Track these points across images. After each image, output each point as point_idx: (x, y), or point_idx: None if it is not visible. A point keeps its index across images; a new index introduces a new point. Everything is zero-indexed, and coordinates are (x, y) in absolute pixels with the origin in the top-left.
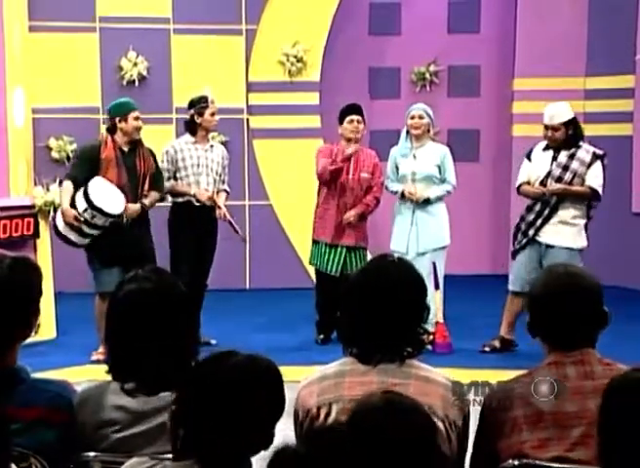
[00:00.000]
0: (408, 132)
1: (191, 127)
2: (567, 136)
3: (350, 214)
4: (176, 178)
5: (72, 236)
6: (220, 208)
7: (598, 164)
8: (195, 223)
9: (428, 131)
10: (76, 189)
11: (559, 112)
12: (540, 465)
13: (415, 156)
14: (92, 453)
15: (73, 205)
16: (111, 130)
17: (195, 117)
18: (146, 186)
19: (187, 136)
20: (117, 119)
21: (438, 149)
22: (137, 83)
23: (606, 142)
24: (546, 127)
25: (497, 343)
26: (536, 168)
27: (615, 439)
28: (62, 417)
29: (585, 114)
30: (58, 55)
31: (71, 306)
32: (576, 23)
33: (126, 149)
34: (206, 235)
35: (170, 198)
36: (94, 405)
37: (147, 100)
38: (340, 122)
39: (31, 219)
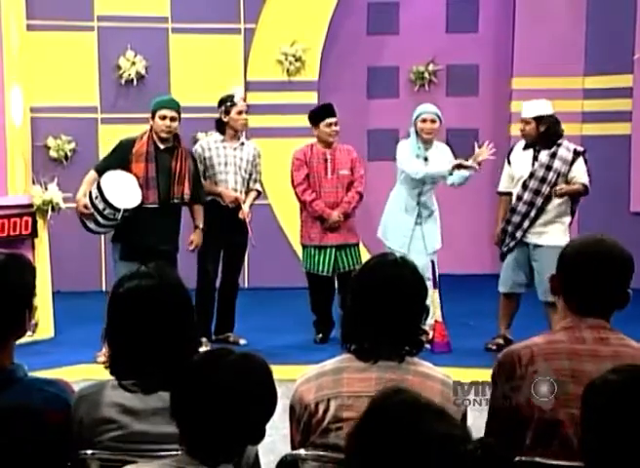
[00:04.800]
0: (417, 132)
1: (220, 126)
2: (538, 133)
3: (334, 217)
4: (205, 177)
5: (90, 224)
6: (242, 210)
7: (581, 160)
8: (223, 222)
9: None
10: None
11: (531, 106)
12: (540, 463)
13: (426, 159)
14: (89, 451)
15: (90, 192)
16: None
17: (222, 116)
18: (185, 189)
19: (217, 135)
20: (150, 116)
21: (444, 149)
22: (135, 82)
23: (604, 142)
24: (521, 120)
25: (501, 341)
26: (517, 168)
27: (595, 441)
28: (58, 418)
29: (584, 113)
30: (55, 53)
31: (69, 305)
32: (574, 23)
33: (162, 147)
34: (234, 233)
35: None
36: (91, 402)
37: (145, 100)
38: (315, 123)
39: (29, 218)
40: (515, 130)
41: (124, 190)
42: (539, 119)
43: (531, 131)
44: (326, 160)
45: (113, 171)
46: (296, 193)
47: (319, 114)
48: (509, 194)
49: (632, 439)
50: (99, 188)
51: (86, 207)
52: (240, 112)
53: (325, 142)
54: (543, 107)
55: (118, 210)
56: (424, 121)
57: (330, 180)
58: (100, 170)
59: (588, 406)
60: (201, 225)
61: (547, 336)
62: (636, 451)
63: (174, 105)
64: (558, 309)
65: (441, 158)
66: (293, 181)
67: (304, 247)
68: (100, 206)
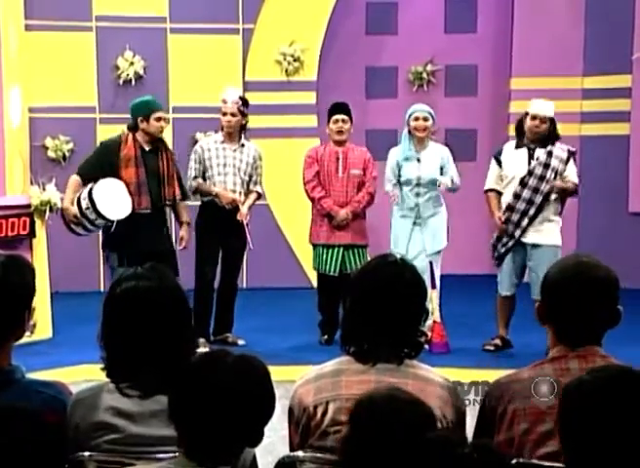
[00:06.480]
0: (410, 132)
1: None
2: (548, 132)
3: (342, 215)
4: (204, 178)
5: (78, 229)
6: (240, 211)
7: (572, 161)
8: (221, 223)
9: (432, 132)
10: (85, 184)
11: (548, 106)
12: (536, 465)
13: (419, 160)
14: (87, 453)
15: (79, 200)
16: (133, 128)
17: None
18: (176, 191)
19: (218, 136)
20: (139, 118)
21: (440, 150)
22: (133, 82)
23: (603, 142)
24: (535, 117)
25: (499, 342)
26: (511, 168)
27: (573, 441)
28: (55, 419)
29: (583, 114)
30: (54, 54)
31: (67, 306)
32: (572, 23)
33: (147, 148)
34: (232, 235)
35: (199, 197)
36: (88, 407)
37: None
38: (328, 122)
39: (27, 219)
40: (514, 130)
41: (115, 200)
42: (552, 119)
43: (545, 130)
44: (338, 158)
45: (103, 180)
46: (305, 190)
47: (329, 112)
48: (497, 191)
49: (609, 438)
50: (91, 200)
51: (75, 216)
52: (224, 114)
53: (335, 141)
54: (552, 108)
55: (111, 221)
56: (417, 119)
57: (340, 179)
58: (84, 174)
59: (565, 406)
60: (188, 220)
61: (532, 370)
62: (612, 450)
63: (163, 106)
64: (548, 338)
65: (433, 160)
66: (303, 179)
67: (314, 246)
68: (92, 216)
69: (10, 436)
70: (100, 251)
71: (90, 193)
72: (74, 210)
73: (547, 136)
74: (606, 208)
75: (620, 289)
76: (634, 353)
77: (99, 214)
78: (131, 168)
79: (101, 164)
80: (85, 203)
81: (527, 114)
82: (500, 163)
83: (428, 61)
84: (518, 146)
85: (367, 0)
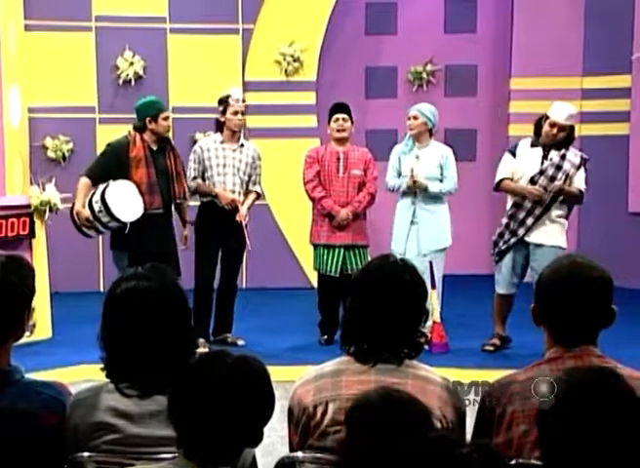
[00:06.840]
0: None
1: (218, 126)
2: (565, 139)
3: (342, 215)
4: (204, 178)
5: (89, 231)
6: (239, 212)
7: (583, 168)
8: (220, 223)
9: (430, 131)
10: (95, 186)
11: (573, 115)
12: (535, 465)
13: (417, 157)
14: (86, 453)
15: (90, 203)
16: (140, 129)
17: (220, 116)
18: (185, 189)
19: (217, 136)
20: (148, 119)
21: (441, 150)
22: (133, 82)
23: (603, 142)
24: (554, 124)
25: (497, 341)
26: (523, 165)
27: (550, 442)
28: (54, 420)
29: (582, 114)
30: (53, 54)
31: (67, 306)
32: (572, 23)
33: (155, 148)
34: (232, 235)
35: (198, 197)
36: (87, 407)
37: None
38: (329, 122)
39: (27, 219)
40: (514, 130)
41: (127, 202)
42: (572, 126)
43: (562, 138)
44: (338, 158)
45: (114, 182)
46: (306, 190)
47: (329, 112)
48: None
49: (583, 437)
50: (104, 203)
51: (87, 219)
52: (235, 113)
53: (336, 140)
54: (571, 114)
55: (125, 223)
56: (409, 118)
57: (341, 179)
58: (94, 176)
59: (541, 408)
60: (189, 219)
61: (529, 371)
62: (587, 450)
63: (165, 106)
64: (544, 339)
65: (433, 158)
66: (304, 179)
67: (315, 246)
68: (105, 219)
69: (9, 436)
70: (101, 251)
71: (102, 196)
72: (87, 213)
73: (566, 140)
74: (606, 208)
75: (615, 288)
76: (634, 353)
77: (112, 217)
78: (141, 168)
79: (111, 165)
80: (97, 206)
81: (547, 117)
82: (514, 155)
83: (428, 61)
84: (533, 145)
85: (366, 0)
